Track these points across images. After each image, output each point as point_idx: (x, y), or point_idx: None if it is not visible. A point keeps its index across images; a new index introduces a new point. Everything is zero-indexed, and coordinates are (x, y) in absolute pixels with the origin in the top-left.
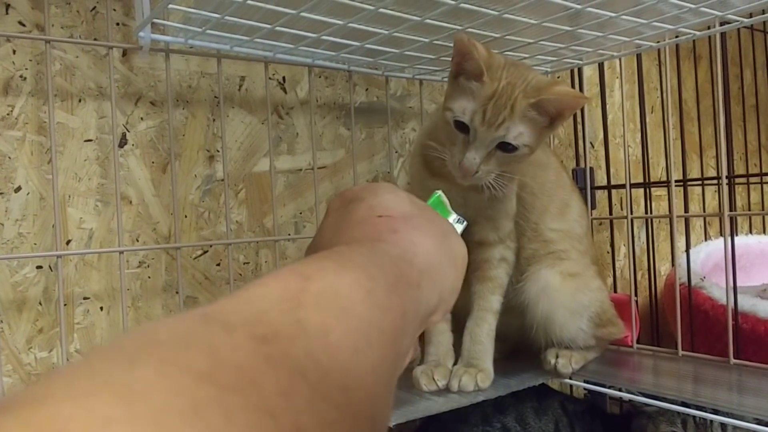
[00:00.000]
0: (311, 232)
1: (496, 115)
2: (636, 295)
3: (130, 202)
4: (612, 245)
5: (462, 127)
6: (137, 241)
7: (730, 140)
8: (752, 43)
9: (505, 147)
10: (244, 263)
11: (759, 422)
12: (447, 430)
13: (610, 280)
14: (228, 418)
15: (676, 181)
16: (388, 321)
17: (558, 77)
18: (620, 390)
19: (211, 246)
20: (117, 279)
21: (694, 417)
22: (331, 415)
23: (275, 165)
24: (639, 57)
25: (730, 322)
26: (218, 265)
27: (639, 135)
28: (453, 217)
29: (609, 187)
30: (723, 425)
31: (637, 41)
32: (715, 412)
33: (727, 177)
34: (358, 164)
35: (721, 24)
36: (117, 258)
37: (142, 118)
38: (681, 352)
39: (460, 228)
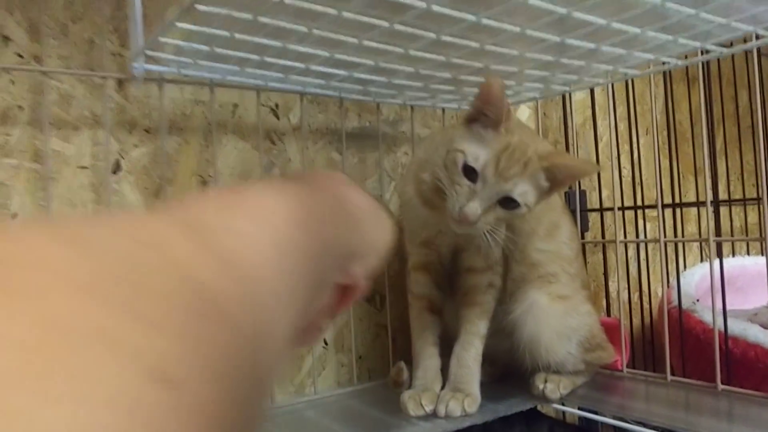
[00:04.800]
0: None
1: (508, 169)
2: (631, 317)
3: None
4: (605, 268)
5: (470, 173)
6: None
7: (714, 165)
8: (746, 64)
9: (507, 203)
10: None
11: None
12: None
13: (603, 302)
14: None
15: (667, 205)
16: (309, 243)
17: (551, 100)
18: (614, 417)
19: None
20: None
21: None
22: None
23: None
24: (631, 80)
25: (717, 347)
26: None
27: (631, 158)
28: None
29: (601, 210)
30: None
31: (622, 70)
32: None
33: (712, 202)
34: None
35: (704, 53)
36: None
37: (136, 145)
38: (670, 378)
39: None
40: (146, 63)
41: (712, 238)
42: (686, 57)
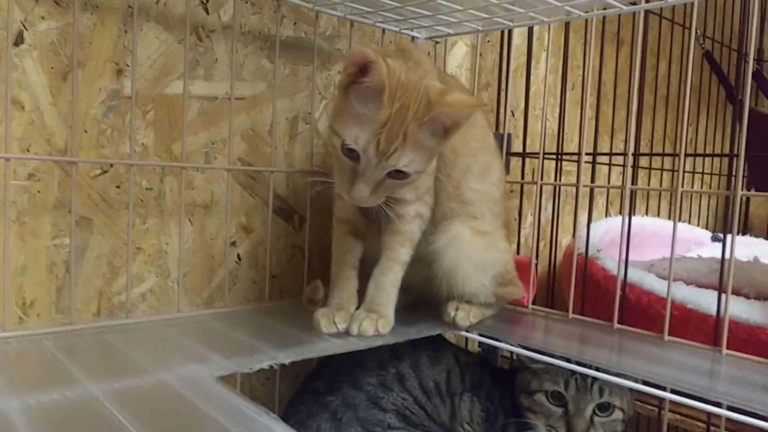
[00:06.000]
0: (223, 163)
1: (389, 145)
2: (537, 261)
3: (23, 107)
4: (520, 212)
5: (352, 154)
6: (27, 151)
7: (640, 121)
8: (671, 35)
9: (396, 174)
10: (146, 188)
11: (645, 383)
12: (342, 374)
13: (514, 246)
14: None
15: (586, 153)
16: None
17: (488, 41)
18: (511, 345)
19: (111, 165)
20: (2, 190)
21: (576, 379)
22: None
23: (189, 90)
24: (567, 30)
25: (618, 290)
26: (118, 187)
27: (558, 109)
28: None
29: (524, 155)
30: (601, 388)
31: (567, 8)
32: (597, 370)
33: (633, 154)
34: (279, 100)
35: (647, 1)
36: (3, 166)
37: (43, 17)
38: (571, 315)
39: None
40: None
41: (628, 185)
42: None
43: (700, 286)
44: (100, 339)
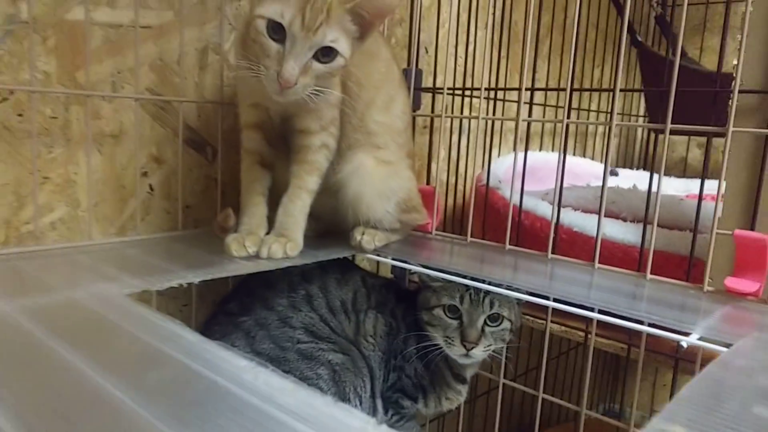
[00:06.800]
0: (130, 93)
1: (314, 20)
2: (446, 193)
3: None
4: (430, 147)
5: (278, 32)
6: None
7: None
8: None
9: (323, 55)
10: (51, 117)
11: (530, 294)
12: (255, 296)
13: (425, 180)
14: None
15: (488, 89)
16: None
17: None
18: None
19: (11, 92)
20: None
21: (470, 293)
22: None
23: (92, 17)
24: None
25: (510, 215)
26: (20, 115)
27: (470, 47)
28: None
29: (433, 90)
30: (492, 301)
31: None
32: (491, 284)
33: (527, 89)
34: (187, 30)
35: None
36: None
37: None
38: (470, 239)
39: None
40: None
41: (522, 118)
42: None
43: (586, 211)
44: (9, 265)
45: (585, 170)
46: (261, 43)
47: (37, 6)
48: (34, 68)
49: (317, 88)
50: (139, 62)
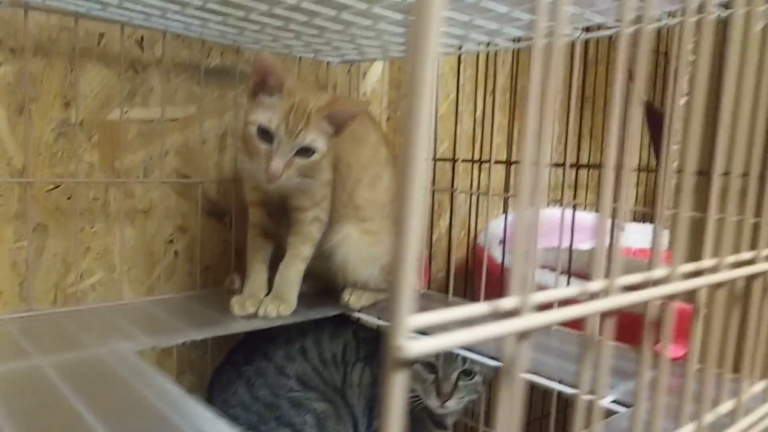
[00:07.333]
0: (159, 176)
1: (296, 125)
2: (429, 254)
3: None
4: (432, 213)
5: (266, 135)
6: None
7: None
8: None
9: (303, 152)
10: (94, 199)
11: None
12: (257, 348)
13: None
14: None
15: (465, 160)
16: None
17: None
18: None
19: (58, 186)
20: None
21: (444, 352)
22: None
23: (129, 115)
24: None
25: (484, 270)
26: (69, 198)
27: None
28: None
29: (434, 160)
30: (464, 358)
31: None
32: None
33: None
34: (209, 120)
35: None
36: None
37: (0, 63)
38: (450, 298)
39: None
40: None
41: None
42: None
43: (553, 270)
44: (55, 323)
45: (589, 225)
46: (253, 144)
47: (84, 110)
48: (80, 161)
49: (301, 176)
50: (168, 149)
